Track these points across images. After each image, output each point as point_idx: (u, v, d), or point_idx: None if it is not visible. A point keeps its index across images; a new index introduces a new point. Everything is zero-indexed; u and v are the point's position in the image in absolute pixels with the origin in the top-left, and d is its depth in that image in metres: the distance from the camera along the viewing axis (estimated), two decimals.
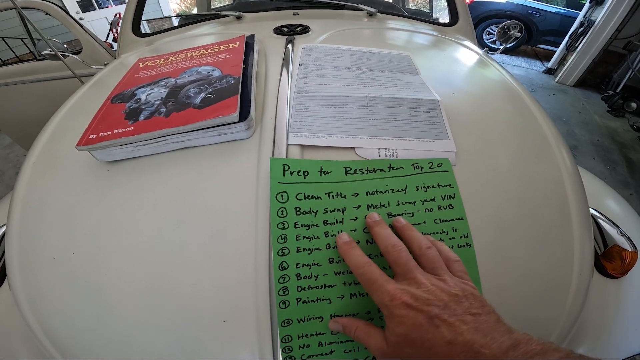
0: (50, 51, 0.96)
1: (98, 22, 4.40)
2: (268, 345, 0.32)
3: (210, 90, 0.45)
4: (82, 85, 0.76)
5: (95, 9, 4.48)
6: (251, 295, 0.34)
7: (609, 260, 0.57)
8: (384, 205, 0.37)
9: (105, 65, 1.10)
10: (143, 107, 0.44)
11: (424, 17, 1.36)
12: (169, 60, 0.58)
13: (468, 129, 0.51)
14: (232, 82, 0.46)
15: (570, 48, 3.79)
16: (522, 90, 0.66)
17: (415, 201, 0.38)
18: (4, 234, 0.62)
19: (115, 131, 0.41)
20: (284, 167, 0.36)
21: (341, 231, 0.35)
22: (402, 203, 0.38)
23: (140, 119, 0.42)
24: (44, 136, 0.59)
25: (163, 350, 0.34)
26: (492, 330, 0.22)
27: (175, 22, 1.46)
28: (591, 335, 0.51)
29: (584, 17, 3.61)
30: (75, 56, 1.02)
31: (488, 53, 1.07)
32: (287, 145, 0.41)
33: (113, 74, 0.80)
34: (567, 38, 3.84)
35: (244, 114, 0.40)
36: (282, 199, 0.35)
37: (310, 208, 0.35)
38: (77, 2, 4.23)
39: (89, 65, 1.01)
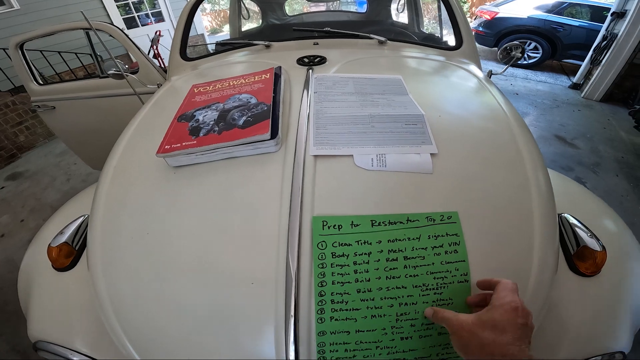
0: (116, 71, 1.15)
1: (140, 38, 4.83)
2: (282, 299, 0.45)
3: (249, 114, 0.61)
4: (144, 106, 0.94)
5: (138, 26, 4.94)
6: (273, 265, 0.47)
7: (582, 260, 0.65)
8: (401, 250, 0.48)
9: (158, 85, 1.31)
10: (201, 126, 0.61)
11: (432, 41, 1.47)
12: (217, 87, 0.76)
13: (449, 138, 0.63)
14: (265, 108, 0.62)
15: (594, 62, 3.73)
16: (509, 112, 0.76)
17: (426, 247, 0.48)
18: (80, 224, 0.79)
19: (183, 144, 0.57)
20: (323, 222, 0.49)
21: (367, 270, 0.47)
22: (416, 249, 0.48)
23: (200, 135, 0.59)
24: (120, 147, 0.76)
25: (206, 302, 0.48)
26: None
27: (208, 45, 1.67)
28: (567, 328, 0.59)
29: (606, 30, 3.57)
30: (133, 76, 1.23)
31: (491, 74, 1.17)
32: (305, 157, 0.56)
33: (167, 97, 0.99)
34: (591, 52, 3.80)
35: (274, 134, 0.56)
36: (322, 246, 0.47)
37: (343, 252, 0.47)
38: (123, 19, 4.69)
39: (145, 85, 1.21)
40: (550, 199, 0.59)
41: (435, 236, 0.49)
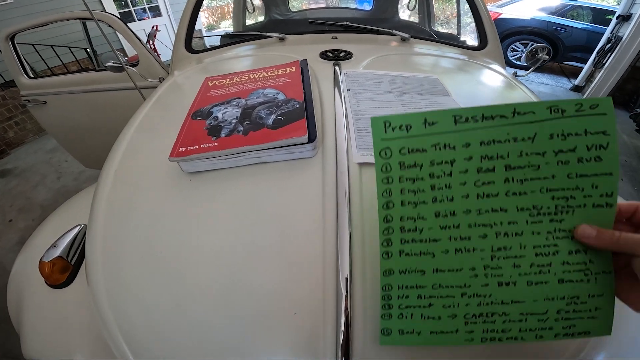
0: (116, 63, 1.05)
1: (136, 33, 4.69)
2: (331, 332, 0.37)
3: (279, 112, 0.52)
4: (146, 101, 0.85)
5: (134, 21, 4.78)
6: (319, 292, 0.39)
7: None
8: (501, 157, 0.32)
9: (159, 79, 1.21)
10: (222, 125, 0.52)
11: (454, 40, 1.41)
12: (234, 80, 0.67)
13: None
14: (297, 105, 0.53)
15: (597, 65, 3.73)
16: None
17: (544, 152, 0.32)
18: (75, 235, 0.70)
19: (202, 145, 0.48)
20: (385, 124, 0.33)
21: (449, 185, 0.33)
22: (527, 154, 0.32)
23: (222, 135, 0.50)
24: (121, 147, 0.66)
25: (237, 338, 0.39)
26: None
27: (216, 38, 1.57)
28: (613, 340, 0.52)
29: (611, 33, 3.57)
30: (133, 69, 1.13)
31: (516, 76, 1.11)
32: (349, 164, 0.47)
33: (171, 92, 0.90)
34: (594, 55, 3.79)
35: (312, 136, 0.47)
36: (386, 154, 0.33)
37: (414, 162, 0.33)
38: (119, 13, 4.54)
39: (146, 78, 1.12)
40: None
41: (563, 135, 0.32)
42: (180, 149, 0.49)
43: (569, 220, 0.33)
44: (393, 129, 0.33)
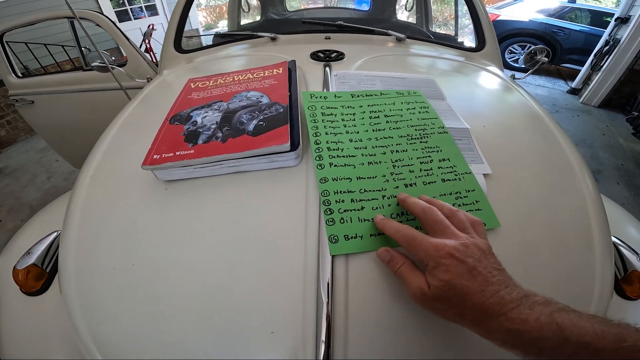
0: (101, 63, 1.02)
1: (132, 32, 4.60)
2: (311, 352, 0.34)
3: (261, 117, 0.49)
4: (130, 102, 0.82)
5: (130, 19, 4.73)
6: (299, 311, 0.36)
7: (628, 284, 0.61)
8: (380, 111, 0.55)
9: (147, 79, 1.18)
10: (200, 130, 0.49)
11: (451, 41, 1.38)
12: (218, 82, 0.63)
13: (500, 155, 0.55)
14: (281, 110, 0.50)
15: (595, 67, 3.72)
16: (547, 118, 0.69)
17: (402, 108, 0.56)
18: (51, 243, 0.67)
19: (177, 153, 0.45)
20: (310, 95, 0.57)
21: (355, 125, 0.52)
22: (393, 109, 0.56)
23: (199, 142, 0.47)
24: (99, 150, 0.63)
25: (213, 355, 0.37)
26: (510, 283, 0.28)
27: (210, 37, 1.54)
28: None
29: (609, 35, 3.56)
30: (120, 69, 1.10)
31: (514, 78, 1.08)
32: None
33: (158, 92, 0.87)
34: (591, 57, 3.78)
35: (294, 144, 0.44)
36: (312, 108, 0.54)
37: (331, 112, 0.54)
38: (115, 11, 4.49)
39: (134, 79, 1.08)
40: (606, 222, 0.52)
41: (407, 102, 0.58)
42: (154, 157, 0.46)
43: (430, 141, 0.51)
44: (316, 98, 0.56)
